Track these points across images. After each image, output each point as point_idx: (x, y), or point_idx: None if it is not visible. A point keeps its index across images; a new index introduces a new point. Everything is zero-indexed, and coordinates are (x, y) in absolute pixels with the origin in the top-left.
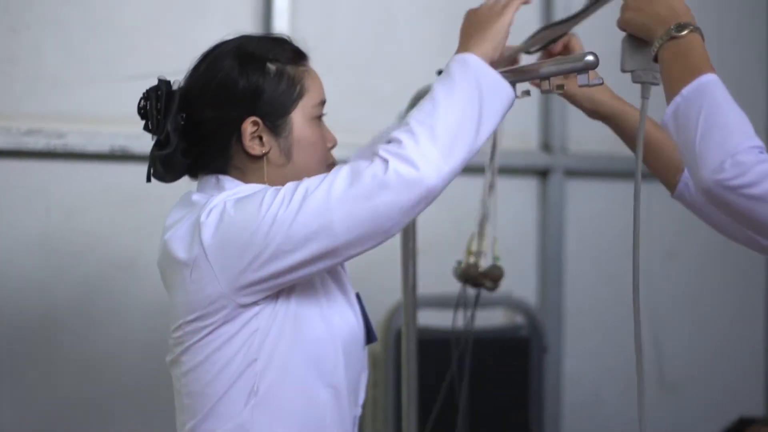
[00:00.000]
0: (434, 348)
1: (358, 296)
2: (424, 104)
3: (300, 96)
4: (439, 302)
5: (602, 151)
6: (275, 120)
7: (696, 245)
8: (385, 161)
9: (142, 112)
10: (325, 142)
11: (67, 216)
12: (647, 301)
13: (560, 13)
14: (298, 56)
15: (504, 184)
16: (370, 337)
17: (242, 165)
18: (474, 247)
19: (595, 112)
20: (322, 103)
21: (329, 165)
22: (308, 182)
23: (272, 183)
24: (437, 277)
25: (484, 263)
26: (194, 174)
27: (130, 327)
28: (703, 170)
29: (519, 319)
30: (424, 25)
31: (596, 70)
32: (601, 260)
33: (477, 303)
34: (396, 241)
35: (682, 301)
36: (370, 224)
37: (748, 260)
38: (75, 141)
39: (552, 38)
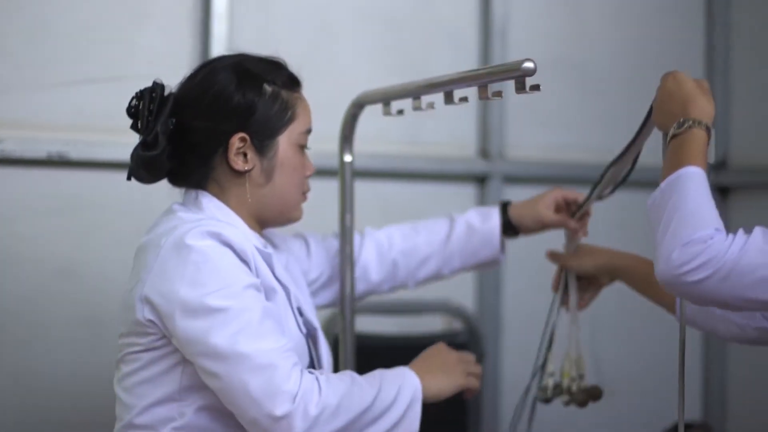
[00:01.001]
0: (372, 354)
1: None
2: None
3: (290, 121)
4: (377, 309)
5: (540, 158)
6: (263, 140)
7: (635, 248)
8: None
9: (133, 111)
10: (305, 170)
11: (5, 222)
12: (588, 309)
13: (498, 18)
14: (293, 82)
15: (442, 191)
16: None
17: (222, 179)
18: (568, 369)
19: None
20: (309, 131)
21: (304, 192)
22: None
23: (252, 200)
24: None
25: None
26: (174, 181)
27: (68, 334)
28: (658, 262)
29: (457, 324)
30: (361, 32)
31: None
32: (539, 265)
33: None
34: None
35: (620, 307)
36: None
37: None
38: (12, 147)
39: (620, 176)
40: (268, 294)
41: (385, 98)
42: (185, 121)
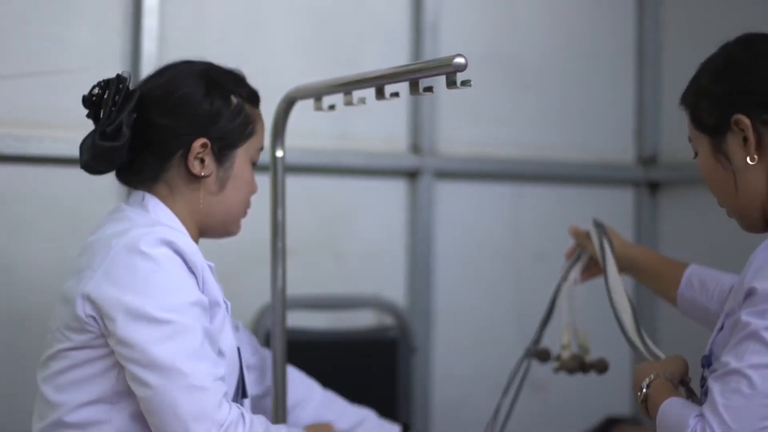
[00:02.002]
0: (303, 350)
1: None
2: None
3: (250, 135)
4: (308, 303)
5: (472, 153)
6: (223, 149)
7: (565, 246)
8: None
9: (94, 99)
10: (252, 188)
11: None
12: (517, 301)
13: (430, 14)
14: (255, 98)
15: (373, 186)
16: (243, 392)
17: (174, 181)
18: (566, 340)
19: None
20: (262, 149)
21: (246, 210)
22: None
23: (203, 206)
24: (307, 278)
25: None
26: (123, 177)
27: (2, 331)
28: None
29: (388, 320)
30: (293, 28)
31: None
32: (470, 261)
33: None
34: (265, 242)
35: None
36: None
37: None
38: None
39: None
40: (213, 308)
41: (316, 94)
42: (149, 117)
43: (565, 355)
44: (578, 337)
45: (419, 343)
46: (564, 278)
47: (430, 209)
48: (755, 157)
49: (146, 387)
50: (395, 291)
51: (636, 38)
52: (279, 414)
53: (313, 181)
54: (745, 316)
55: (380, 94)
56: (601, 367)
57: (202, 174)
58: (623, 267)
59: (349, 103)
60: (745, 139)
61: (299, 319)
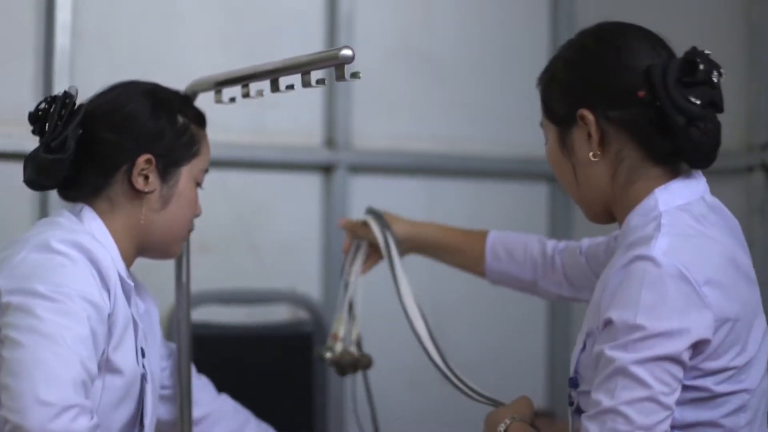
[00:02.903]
0: (218, 344)
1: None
2: None
3: (194, 155)
4: (223, 298)
5: (387, 147)
6: (167, 166)
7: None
8: None
9: (40, 114)
10: (196, 208)
11: None
12: (433, 297)
13: (345, 6)
14: (201, 120)
15: (287, 180)
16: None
17: (116, 197)
18: (341, 333)
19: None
20: (206, 171)
21: (189, 231)
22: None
23: (145, 222)
24: (222, 272)
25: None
26: (64, 192)
27: None
28: None
29: (303, 314)
30: (207, 20)
31: None
32: None
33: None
34: None
35: (467, 297)
36: None
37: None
38: None
39: None
40: (120, 323)
41: (215, 85)
42: (94, 132)
43: (338, 348)
44: (354, 332)
45: None
46: (347, 274)
47: (345, 204)
48: (598, 153)
49: (18, 347)
50: (310, 286)
51: (550, 33)
52: (184, 412)
53: (229, 176)
54: (608, 351)
55: (275, 86)
56: (365, 363)
57: (146, 190)
58: (413, 248)
59: (246, 95)
60: (590, 135)
61: (214, 314)
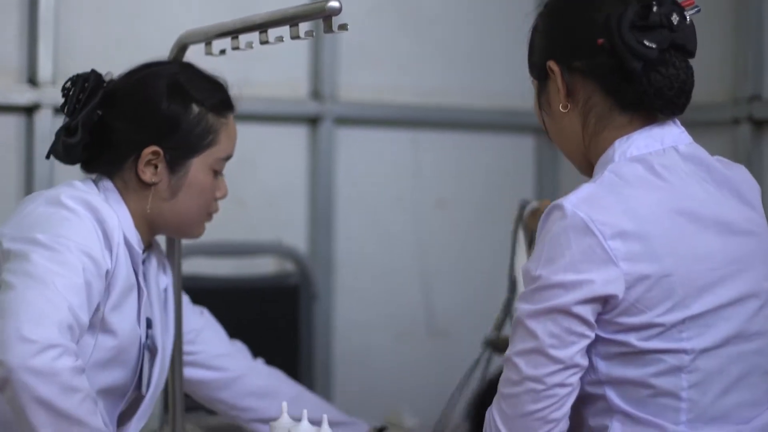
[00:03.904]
0: (204, 296)
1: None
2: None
3: (210, 145)
4: (209, 250)
5: (373, 99)
6: (176, 158)
7: (466, 193)
8: None
9: (64, 93)
10: (215, 192)
11: None
12: (418, 249)
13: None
14: (225, 107)
15: (274, 132)
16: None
17: (128, 182)
18: None
19: None
20: (228, 158)
21: (210, 212)
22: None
23: (152, 211)
24: (207, 224)
25: None
26: (87, 167)
27: None
28: None
29: (289, 266)
30: None
31: None
32: (372, 208)
33: None
34: None
35: (453, 249)
36: None
37: (517, 207)
38: None
39: None
40: (120, 285)
41: (205, 38)
42: (109, 117)
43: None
44: None
45: (320, 290)
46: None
47: (331, 156)
48: (567, 105)
49: (9, 289)
50: (296, 238)
51: None
52: (176, 367)
53: None
54: (516, 301)
55: (264, 38)
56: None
57: (152, 181)
58: None
59: (236, 47)
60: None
61: (200, 266)
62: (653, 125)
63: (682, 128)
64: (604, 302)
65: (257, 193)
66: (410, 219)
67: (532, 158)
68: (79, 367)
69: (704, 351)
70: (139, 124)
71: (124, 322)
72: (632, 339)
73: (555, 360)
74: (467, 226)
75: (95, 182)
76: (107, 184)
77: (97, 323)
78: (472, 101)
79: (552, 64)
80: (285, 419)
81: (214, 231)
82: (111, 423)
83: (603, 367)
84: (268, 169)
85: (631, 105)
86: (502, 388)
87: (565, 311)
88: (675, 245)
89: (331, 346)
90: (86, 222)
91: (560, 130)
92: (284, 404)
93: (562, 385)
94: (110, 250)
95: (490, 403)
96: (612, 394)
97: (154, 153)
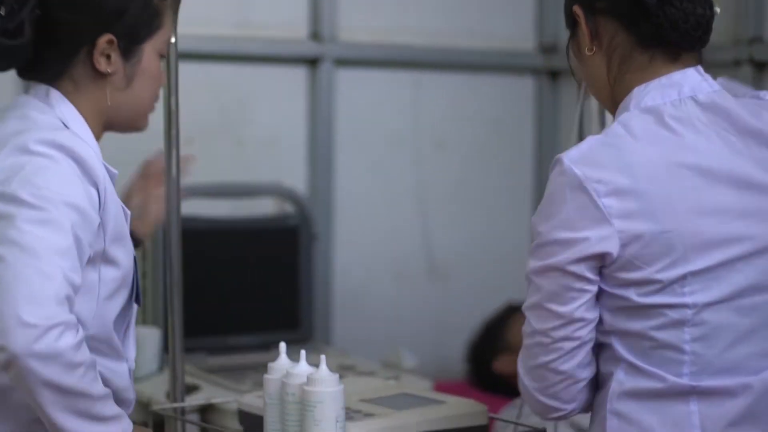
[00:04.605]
0: (203, 238)
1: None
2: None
3: (157, 28)
4: (208, 192)
5: (372, 41)
6: (129, 44)
7: (466, 134)
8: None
9: None
10: (160, 81)
11: None
12: (417, 190)
13: None
14: None
15: (273, 73)
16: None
17: (80, 78)
18: None
19: None
20: (170, 41)
21: (153, 103)
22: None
23: (111, 104)
24: (206, 166)
25: None
26: (24, 73)
27: None
28: None
29: (288, 208)
30: None
31: None
32: (371, 149)
33: None
34: (160, 131)
35: (453, 189)
36: None
37: (516, 149)
38: None
39: None
40: (113, 215)
41: None
42: (53, 13)
43: None
44: None
45: (320, 232)
46: None
47: (331, 97)
48: (593, 48)
49: (0, 262)
50: (296, 179)
51: None
52: (175, 306)
53: (213, 69)
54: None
55: None
56: None
57: (108, 71)
58: None
59: None
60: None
61: (198, 208)
62: (674, 72)
63: (706, 76)
64: (601, 258)
65: (256, 134)
66: (410, 160)
67: (532, 100)
68: (80, 341)
69: (709, 305)
70: (89, 14)
71: (125, 248)
72: (632, 294)
73: (557, 315)
74: (467, 168)
75: (45, 97)
76: (55, 94)
77: (98, 258)
78: (473, 43)
79: (576, 9)
80: (283, 360)
81: (212, 172)
82: (123, 347)
83: (608, 318)
84: (266, 111)
85: (649, 40)
86: (523, 338)
87: (562, 269)
88: (676, 201)
89: (331, 288)
90: (64, 166)
91: (590, 75)
92: (282, 345)
93: (568, 338)
94: (96, 187)
95: (488, 346)
96: (617, 344)
97: (109, 42)
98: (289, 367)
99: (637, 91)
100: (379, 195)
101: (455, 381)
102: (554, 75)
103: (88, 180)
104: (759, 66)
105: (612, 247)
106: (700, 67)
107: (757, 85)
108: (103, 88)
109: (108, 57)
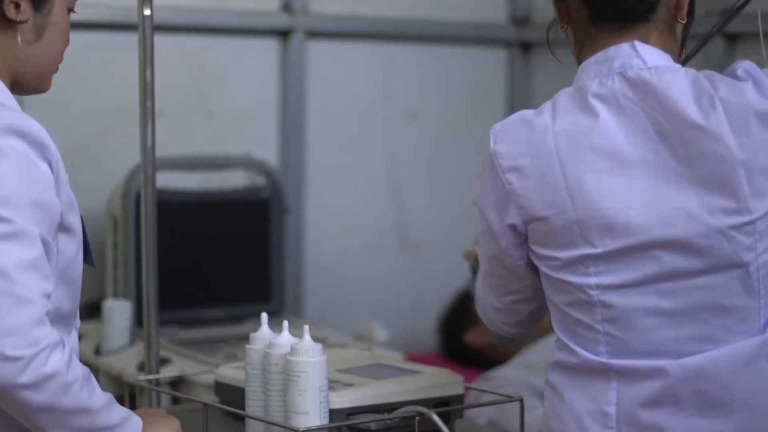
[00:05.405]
0: (175, 210)
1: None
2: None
3: None
4: (180, 164)
5: (344, 12)
6: None
7: (438, 106)
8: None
9: None
10: (67, 39)
11: None
12: (390, 163)
13: None
14: None
15: (244, 45)
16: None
17: None
18: None
19: None
20: None
21: (58, 64)
22: None
23: (23, 55)
24: (178, 138)
25: None
26: None
27: None
28: None
29: (260, 180)
30: None
31: None
32: (343, 121)
33: None
34: (135, 104)
35: (424, 162)
36: None
37: (488, 121)
38: None
39: None
40: (63, 182)
41: None
42: None
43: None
44: None
45: (291, 204)
46: None
47: (302, 69)
48: (563, 25)
49: None
50: (267, 151)
51: None
52: (150, 278)
53: (184, 40)
54: None
55: None
56: None
57: (18, 19)
58: None
59: None
60: None
61: (171, 180)
62: (611, 47)
63: (651, 50)
64: (513, 228)
65: (227, 106)
66: (382, 132)
67: (504, 72)
68: (68, 358)
69: (616, 288)
70: None
71: (76, 213)
72: (543, 267)
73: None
74: (439, 139)
75: None
76: None
77: (56, 231)
78: (445, 15)
79: None
80: (265, 330)
81: (184, 144)
82: (76, 313)
83: (545, 288)
84: (238, 83)
85: (599, 13)
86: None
87: (484, 233)
88: (580, 183)
89: (303, 260)
90: (16, 153)
91: (573, 54)
92: (264, 315)
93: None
94: (48, 161)
95: (459, 319)
96: (552, 317)
97: None
98: (272, 338)
99: (581, 69)
100: (351, 167)
101: (426, 354)
102: (526, 47)
103: (39, 154)
104: (731, 38)
105: (516, 221)
106: (638, 42)
107: (729, 57)
108: (14, 38)
109: (17, 6)
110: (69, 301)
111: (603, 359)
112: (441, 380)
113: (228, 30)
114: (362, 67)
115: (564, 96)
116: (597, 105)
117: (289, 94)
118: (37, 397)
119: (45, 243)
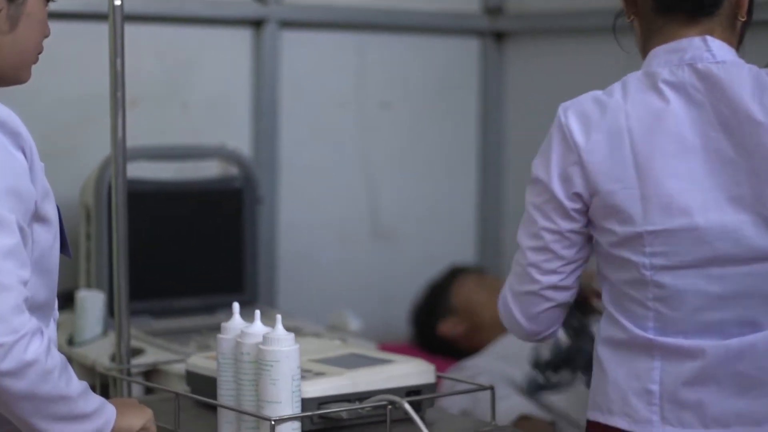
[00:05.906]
0: (148, 200)
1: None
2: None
3: None
4: (152, 154)
5: (317, 2)
6: None
7: (411, 96)
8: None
9: None
10: (45, 29)
11: None
12: (362, 151)
13: None
14: None
15: (217, 35)
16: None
17: None
18: None
19: None
20: None
21: (39, 53)
22: None
23: None
24: (151, 128)
25: None
26: None
27: None
28: None
29: (233, 170)
30: None
31: None
32: (316, 111)
33: None
34: (106, 94)
35: (397, 151)
36: None
37: (461, 111)
38: None
39: None
40: (38, 169)
41: None
42: None
43: None
44: None
45: (265, 193)
46: None
47: (275, 59)
48: (629, 15)
49: None
50: (240, 141)
51: None
52: (121, 268)
53: (156, 30)
54: None
55: None
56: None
57: None
58: None
59: None
60: None
61: (143, 170)
62: (683, 39)
63: (720, 44)
64: (578, 197)
65: (200, 96)
66: (354, 121)
67: (477, 61)
68: (46, 346)
69: (669, 269)
70: None
71: (51, 202)
72: (602, 240)
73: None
74: (411, 129)
75: None
76: None
77: (31, 220)
78: (418, 4)
79: None
80: (237, 320)
81: (156, 134)
82: (54, 303)
83: (599, 264)
84: (210, 73)
85: (665, 5)
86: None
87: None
88: (648, 162)
89: (275, 249)
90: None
91: (637, 42)
92: (235, 305)
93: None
94: (22, 149)
95: (432, 309)
96: (605, 291)
97: None
98: (244, 327)
99: (649, 57)
100: (324, 157)
101: (399, 344)
102: (499, 37)
103: (13, 143)
104: None
105: (581, 190)
106: (708, 37)
107: None
108: None
109: None
110: (45, 290)
111: (650, 335)
112: (413, 369)
113: (200, 19)
114: (335, 56)
115: (634, 79)
116: (667, 91)
117: (262, 84)
118: (17, 385)
119: (21, 230)
